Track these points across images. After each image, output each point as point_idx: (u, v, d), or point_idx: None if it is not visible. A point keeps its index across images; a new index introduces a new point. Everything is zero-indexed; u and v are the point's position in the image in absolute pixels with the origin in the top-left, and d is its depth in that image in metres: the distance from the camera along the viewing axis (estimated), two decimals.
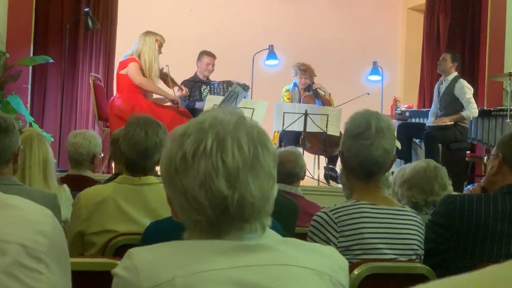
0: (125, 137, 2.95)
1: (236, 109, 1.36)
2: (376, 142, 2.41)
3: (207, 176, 1.25)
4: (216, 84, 7.74)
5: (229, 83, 7.72)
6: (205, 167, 1.26)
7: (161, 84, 7.09)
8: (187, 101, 7.51)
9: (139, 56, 6.73)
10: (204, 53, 7.84)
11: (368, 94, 8.04)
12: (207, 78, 7.81)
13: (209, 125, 1.29)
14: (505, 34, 9.05)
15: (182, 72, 7.47)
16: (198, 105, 7.40)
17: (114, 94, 7.12)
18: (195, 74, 7.81)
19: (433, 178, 3.31)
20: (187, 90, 7.28)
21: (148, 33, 6.83)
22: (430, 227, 2.74)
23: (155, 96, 7.11)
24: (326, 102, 8.05)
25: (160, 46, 6.80)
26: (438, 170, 3.36)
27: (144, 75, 6.70)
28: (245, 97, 7.05)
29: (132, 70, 6.68)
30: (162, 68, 6.99)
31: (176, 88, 7.17)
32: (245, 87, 7.41)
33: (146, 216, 2.83)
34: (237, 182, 1.26)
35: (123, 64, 6.77)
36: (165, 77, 7.05)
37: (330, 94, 8.24)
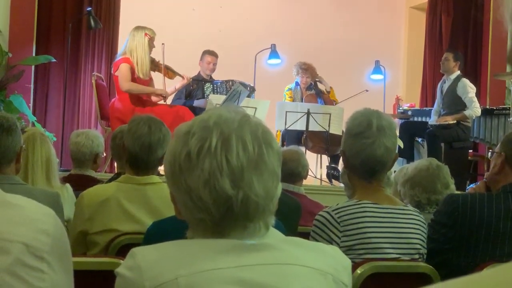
0: (128, 132, 2.97)
1: (240, 108, 1.36)
2: (377, 141, 2.41)
3: (212, 175, 1.25)
4: (219, 83, 7.73)
5: (232, 83, 7.71)
6: (210, 166, 1.25)
7: (160, 77, 7.02)
8: (185, 90, 7.45)
9: (130, 54, 6.60)
10: (206, 52, 7.82)
11: (367, 91, 8.02)
12: (210, 77, 7.80)
13: (214, 124, 1.28)
14: (507, 32, 9.04)
15: (184, 71, 7.45)
16: (196, 103, 7.35)
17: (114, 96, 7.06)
18: (198, 73, 7.80)
19: (436, 177, 3.30)
20: (189, 77, 7.21)
21: (137, 28, 6.69)
22: (433, 227, 2.73)
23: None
24: (328, 101, 8.05)
25: (151, 39, 6.65)
26: (441, 169, 3.35)
27: (136, 73, 6.62)
28: (248, 96, 7.03)
29: (120, 75, 6.56)
30: (158, 61, 6.88)
31: (176, 78, 7.11)
32: (250, 89, 7.39)
33: (149, 215, 2.83)
34: (242, 181, 1.26)
35: (116, 66, 6.67)
36: (163, 68, 6.95)
37: (331, 87, 8.22)
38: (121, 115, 6.46)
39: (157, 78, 7.07)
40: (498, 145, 2.87)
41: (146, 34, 6.61)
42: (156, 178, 2.95)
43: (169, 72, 7.02)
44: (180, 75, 7.09)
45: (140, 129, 2.92)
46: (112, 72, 6.89)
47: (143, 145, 2.90)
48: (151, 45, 6.68)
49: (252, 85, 7.72)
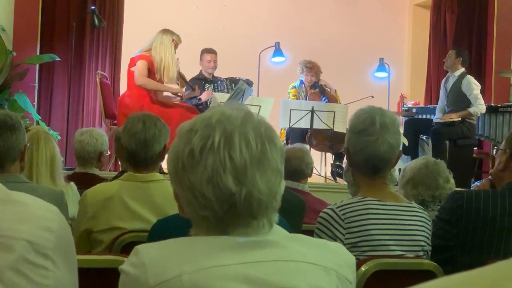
0: (124, 131, 2.99)
1: (243, 105, 1.36)
2: (381, 138, 2.41)
3: (215, 172, 1.25)
4: (219, 82, 7.74)
5: (232, 80, 7.72)
6: (213, 163, 1.25)
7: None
8: (197, 100, 7.50)
9: (153, 53, 6.61)
10: (204, 51, 7.83)
11: (373, 97, 8.02)
12: (212, 76, 7.81)
13: (217, 121, 1.28)
14: None
15: (188, 70, 7.46)
16: (203, 97, 7.35)
17: (124, 91, 7.03)
18: (200, 72, 7.81)
19: (436, 173, 3.33)
20: (198, 89, 7.26)
21: (165, 31, 6.69)
22: (437, 223, 2.73)
23: (165, 94, 7.09)
24: (332, 99, 8.05)
25: (176, 46, 6.67)
26: (439, 164, 3.38)
27: (155, 73, 6.63)
28: (250, 94, 7.04)
29: (137, 69, 6.56)
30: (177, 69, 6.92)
31: (185, 88, 7.16)
32: (248, 82, 7.41)
33: (152, 213, 2.84)
34: (245, 178, 1.26)
35: (134, 61, 6.67)
36: (177, 76, 6.99)
37: (336, 90, 8.23)
38: (129, 111, 6.43)
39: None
40: (503, 142, 2.87)
41: (173, 40, 6.63)
42: (158, 175, 2.96)
43: (182, 81, 7.05)
44: (191, 87, 7.12)
45: (135, 126, 2.94)
46: (128, 66, 6.84)
47: (138, 141, 2.92)
48: (174, 52, 6.70)
49: (250, 79, 7.73)
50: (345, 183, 6.34)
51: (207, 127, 1.28)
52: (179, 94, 6.83)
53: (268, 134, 1.30)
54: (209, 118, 1.30)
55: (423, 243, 2.50)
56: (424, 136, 7.85)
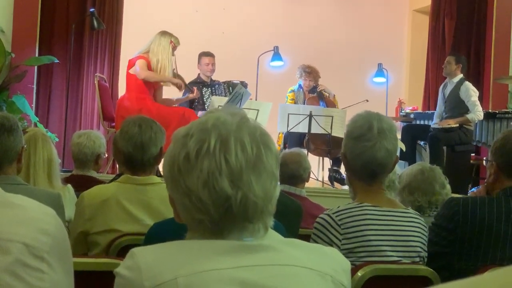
0: (121, 134, 3.00)
1: (238, 110, 1.36)
2: (378, 143, 2.41)
3: (211, 176, 1.25)
4: (217, 85, 7.74)
5: (230, 84, 7.73)
6: (209, 167, 1.26)
7: (171, 87, 7.05)
8: (196, 103, 7.50)
9: (151, 55, 6.66)
10: (202, 54, 7.84)
11: (367, 101, 8.05)
12: (210, 79, 7.81)
13: (212, 126, 1.29)
14: (510, 36, 9.04)
15: (187, 73, 7.45)
16: (200, 115, 7.36)
17: (122, 94, 7.04)
18: (198, 75, 7.81)
19: (432, 179, 3.34)
20: (198, 91, 7.27)
21: (163, 33, 6.75)
22: (434, 230, 2.73)
23: (163, 96, 7.08)
24: (330, 103, 8.06)
25: (174, 48, 6.71)
26: (434, 170, 3.40)
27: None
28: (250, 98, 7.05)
29: (138, 65, 6.60)
30: (174, 69, 6.93)
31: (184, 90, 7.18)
32: (243, 84, 7.42)
33: (149, 216, 2.84)
34: (240, 182, 1.26)
35: (132, 63, 6.69)
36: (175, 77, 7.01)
37: (334, 95, 8.24)
38: (127, 114, 6.41)
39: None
40: (489, 154, 2.87)
41: (171, 42, 6.66)
42: (156, 178, 2.96)
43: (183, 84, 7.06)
44: (190, 89, 7.13)
45: (131, 130, 2.94)
46: (126, 69, 6.85)
47: (135, 145, 2.93)
48: (172, 54, 6.72)
49: (245, 81, 7.74)
50: (343, 187, 6.34)
51: (202, 131, 1.29)
52: (179, 84, 6.83)
53: (263, 139, 1.31)
54: (205, 123, 1.30)
55: (419, 249, 2.50)
56: (422, 142, 7.85)
